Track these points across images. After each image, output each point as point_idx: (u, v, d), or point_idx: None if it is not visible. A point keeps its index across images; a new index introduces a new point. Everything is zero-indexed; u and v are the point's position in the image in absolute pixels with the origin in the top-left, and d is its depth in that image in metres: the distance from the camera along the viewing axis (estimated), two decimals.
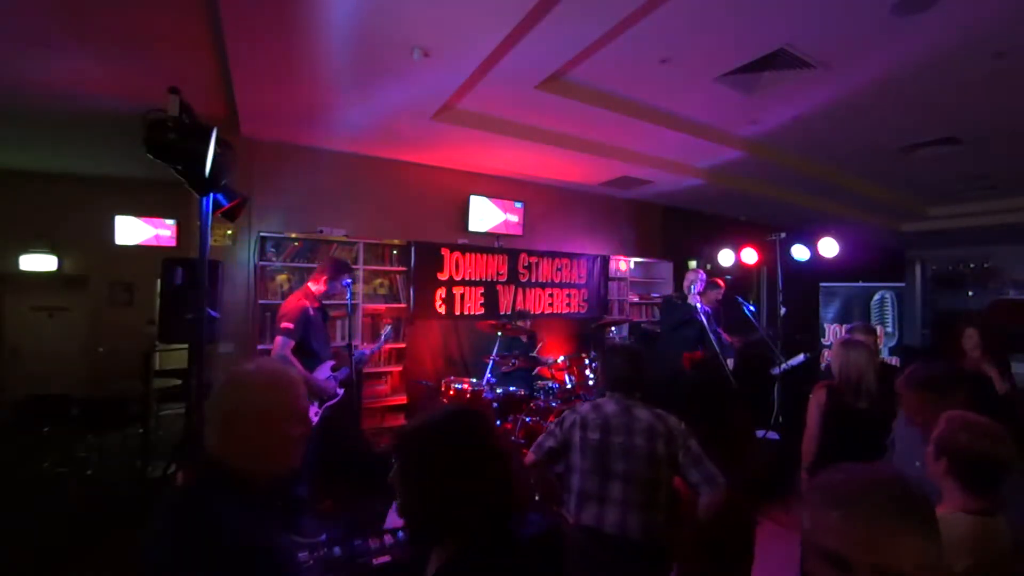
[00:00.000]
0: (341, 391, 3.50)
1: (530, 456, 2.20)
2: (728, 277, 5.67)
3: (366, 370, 4.75)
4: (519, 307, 5.68)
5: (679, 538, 2.09)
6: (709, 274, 4.95)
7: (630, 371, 2.15)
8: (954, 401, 1.80)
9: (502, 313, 5.60)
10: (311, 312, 3.36)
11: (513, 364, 4.59)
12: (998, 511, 1.39)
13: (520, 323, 5.04)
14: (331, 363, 3.49)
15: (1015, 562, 1.35)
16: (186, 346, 2.27)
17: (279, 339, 3.22)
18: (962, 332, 3.34)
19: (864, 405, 2.53)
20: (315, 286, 3.47)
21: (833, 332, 5.75)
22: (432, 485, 1.02)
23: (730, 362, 4.56)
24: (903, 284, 5.38)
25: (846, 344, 2.70)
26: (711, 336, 4.46)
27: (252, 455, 1.12)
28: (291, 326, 3.21)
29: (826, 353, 5.66)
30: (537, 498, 3.31)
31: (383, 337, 4.10)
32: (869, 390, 2.53)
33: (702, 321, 4.44)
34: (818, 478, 0.88)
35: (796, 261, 5.25)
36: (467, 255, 5.47)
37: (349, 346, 3.59)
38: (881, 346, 5.20)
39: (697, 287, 4.64)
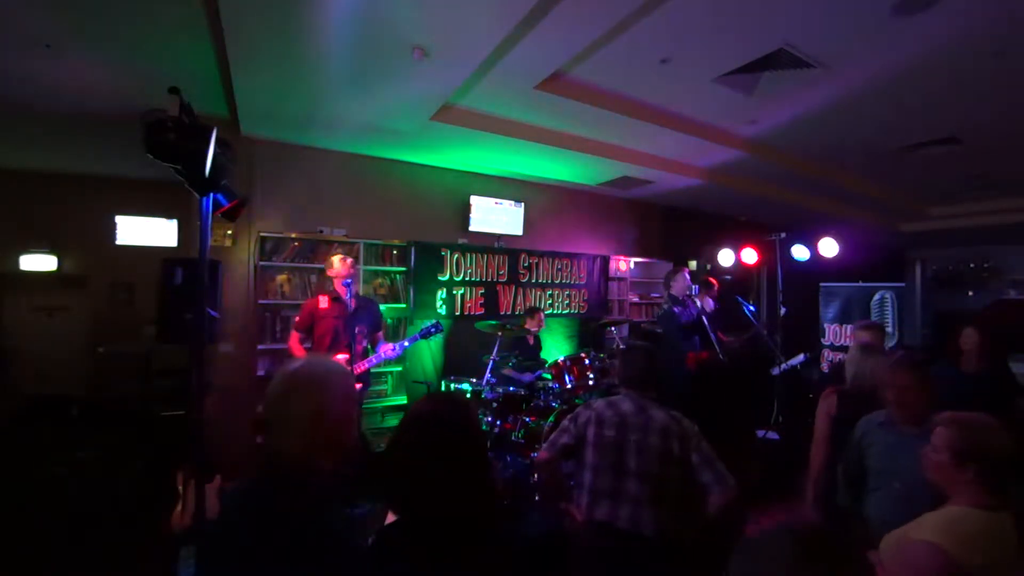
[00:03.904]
0: (359, 386, 3.49)
1: (544, 453, 2.23)
2: (727, 277, 5.67)
3: None
4: (520, 306, 5.67)
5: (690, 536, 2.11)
6: (708, 274, 4.95)
7: (647, 370, 2.20)
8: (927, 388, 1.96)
9: (502, 313, 5.60)
10: (321, 305, 3.71)
11: (512, 365, 4.61)
12: (1005, 507, 1.40)
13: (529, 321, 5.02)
14: (343, 356, 3.43)
15: (1021, 558, 1.36)
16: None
17: (293, 333, 3.82)
18: (961, 332, 3.33)
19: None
20: (333, 277, 3.79)
21: (833, 332, 5.74)
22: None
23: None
24: (903, 284, 5.37)
25: (864, 349, 2.59)
26: (711, 336, 4.46)
27: (333, 448, 1.17)
28: (297, 320, 3.73)
29: (826, 353, 5.66)
30: (538, 497, 3.32)
31: (421, 331, 3.90)
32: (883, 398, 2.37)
33: (698, 321, 4.43)
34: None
35: (796, 261, 5.25)
36: (467, 255, 5.47)
37: (350, 345, 3.57)
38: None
39: (693, 288, 4.63)
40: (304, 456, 1.13)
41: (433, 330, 3.91)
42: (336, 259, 3.83)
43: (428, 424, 1.21)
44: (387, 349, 3.75)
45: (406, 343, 3.91)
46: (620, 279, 6.70)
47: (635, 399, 2.15)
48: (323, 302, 3.74)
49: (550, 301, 6.05)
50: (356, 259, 4.89)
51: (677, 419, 2.09)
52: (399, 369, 5.16)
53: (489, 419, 4.07)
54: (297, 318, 3.76)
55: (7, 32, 2.98)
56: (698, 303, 4.49)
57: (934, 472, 1.49)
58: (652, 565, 1.97)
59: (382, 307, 5.13)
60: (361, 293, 4.90)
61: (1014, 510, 1.41)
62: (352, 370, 3.47)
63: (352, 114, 4.09)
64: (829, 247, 5.08)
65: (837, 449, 2.40)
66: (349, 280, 3.58)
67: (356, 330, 3.58)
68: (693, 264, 7.16)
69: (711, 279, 4.98)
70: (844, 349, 5.56)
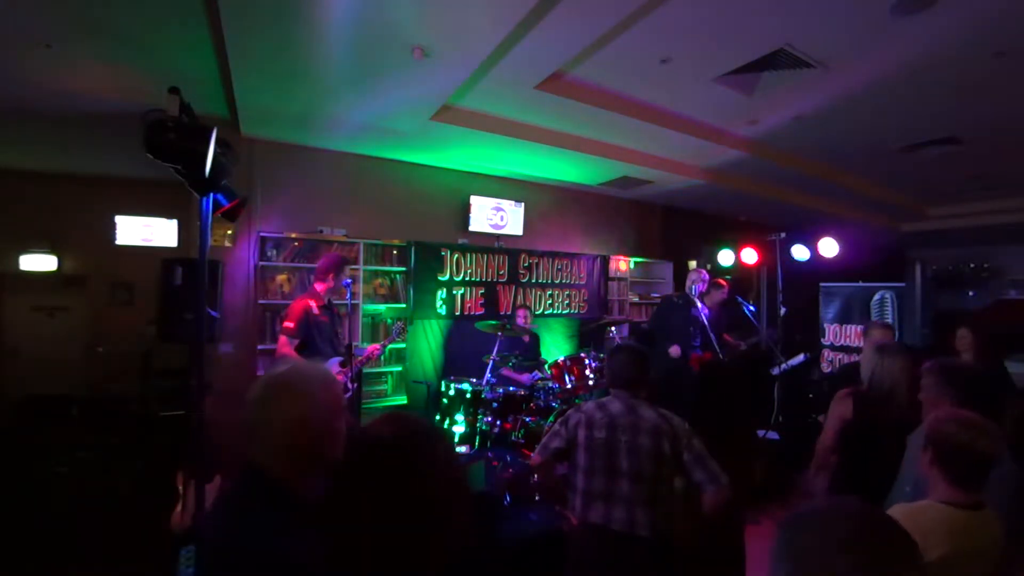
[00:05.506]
0: (354, 386, 3.54)
1: (536, 457, 2.22)
2: (728, 277, 5.67)
3: (366, 370, 4.75)
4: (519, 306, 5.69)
5: (684, 534, 2.09)
6: (710, 275, 4.95)
7: (635, 370, 2.16)
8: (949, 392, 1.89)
9: (502, 313, 5.60)
10: (314, 311, 3.44)
11: (512, 365, 4.60)
12: (984, 506, 1.40)
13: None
14: (338, 359, 3.49)
15: (996, 558, 1.35)
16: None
17: (282, 338, 3.37)
18: (956, 332, 3.34)
19: (894, 416, 2.23)
20: (321, 285, 3.57)
21: (833, 332, 5.74)
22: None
23: None
24: (903, 284, 5.36)
25: (881, 350, 2.43)
26: (711, 337, 4.47)
27: (312, 461, 1.07)
28: (292, 325, 3.34)
29: (826, 353, 5.66)
30: (538, 498, 3.32)
31: (394, 332, 4.04)
32: (900, 402, 2.25)
33: (700, 319, 4.44)
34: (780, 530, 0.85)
35: (796, 261, 5.25)
36: (467, 255, 5.47)
37: (349, 347, 3.58)
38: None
39: (699, 287, 4.64)
40: (282, 472, 1.05)
41: (401, 330, 4.09)
42: (347, 268, 3.66)
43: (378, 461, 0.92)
44: (374, 349, 3.81)
45: (387, 343, 4.05)
46: (620, 279, 6.70)
47: (625, 400, 2.13)
48: (314, 307, 3.46)
49: (550, 301, 6.05)
50: (356, 259, 4.89)
51: (667, 418, 2.06)
52: (399, 369, 5.16)
53: (489, 419, 4.08)
54: (290, 323, 3.37)
55: (7, 32, 2.98)
56: (699, 304, 4.51)
57: (919, 460, 1.52)
58: (649, 566, 1.96)
59: (381, 307, 5.15)
60: (362, 293, 4.92)
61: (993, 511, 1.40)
62: (351, 373, 3.50)
63: (352, 114, 4.09)
64: (829, 247, 5.08)
65: (851, 454, 2.30)
66: (349, 281, 3.60)
67: (336, 333, 3.64)
68: (693, 264, 7.15)
69: (721, 281, 5.00)
70: (844, 349, 5.57)
